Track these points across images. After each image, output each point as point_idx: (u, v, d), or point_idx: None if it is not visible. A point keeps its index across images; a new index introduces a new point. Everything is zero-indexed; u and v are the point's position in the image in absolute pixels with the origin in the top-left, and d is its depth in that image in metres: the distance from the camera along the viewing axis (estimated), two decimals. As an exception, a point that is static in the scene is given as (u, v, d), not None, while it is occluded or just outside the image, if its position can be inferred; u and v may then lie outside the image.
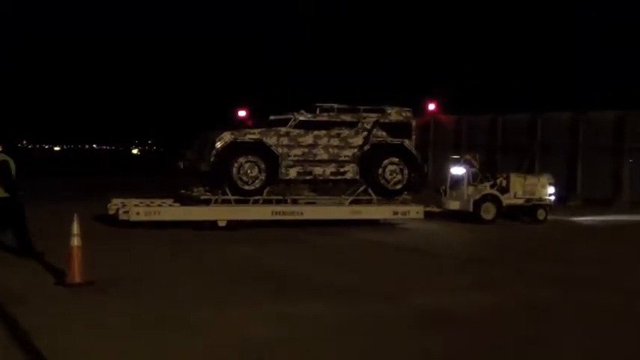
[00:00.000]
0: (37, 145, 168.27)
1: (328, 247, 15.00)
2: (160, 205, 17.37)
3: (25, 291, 9.66)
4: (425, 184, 22.17)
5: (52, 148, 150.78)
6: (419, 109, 28.52)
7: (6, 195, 11.92)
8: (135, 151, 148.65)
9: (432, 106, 30.28)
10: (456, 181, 20.21)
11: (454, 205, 19.72)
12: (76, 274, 9.85)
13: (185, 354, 7.01)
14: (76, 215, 10.05)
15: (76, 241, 9.87)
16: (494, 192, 19.68)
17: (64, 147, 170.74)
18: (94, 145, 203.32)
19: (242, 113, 34.06)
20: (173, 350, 7.10)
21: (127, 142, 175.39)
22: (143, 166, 59.73)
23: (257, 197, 17.44)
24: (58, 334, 7.49)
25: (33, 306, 8.79)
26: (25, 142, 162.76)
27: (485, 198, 19.44)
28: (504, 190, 19.90)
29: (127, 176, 39.91)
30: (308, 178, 18.11)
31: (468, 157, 20.33)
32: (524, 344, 7.59)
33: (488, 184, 19.89)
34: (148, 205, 17.11)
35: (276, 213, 17.36)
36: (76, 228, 9.94)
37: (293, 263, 12.71)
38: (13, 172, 12.11)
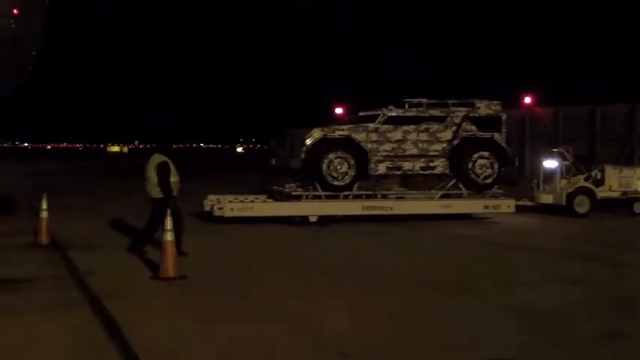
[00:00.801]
0: (147, 145, 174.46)
1: (419, 241, 15.09)
2: (253, 202, 17.92)
3: (122, 283, 10.17)
4: (519, 177, 21.89)
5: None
6: (514, 102, 28.26)
7: (161, 196, 12.27)
8: (239, 150, 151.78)
9: (527, 99, 29.77)
10: (549, 174, 19.94)
11: (547, 198, 19.45)
12: (169, 269, 10.23)
13: (272, 347, 7.15)
14: (169, 211, 10.53)
15: (169, 237, 10.24)
16: (588, 185, 19.30)
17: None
18: (201, 144, 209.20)
19: (339, 110, 34.35)
20: (262, 343, 7.27)
21: (232, 140, 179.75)
22: (245, 163, 61.00)
23: (347, 192, 17.72)
24: (144, 326, 7.82)
25: (125, 298, 9.17)
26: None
27: (579, 191, 19.08)
28: (599, 182, 19.47)
29: (227, 173, 41.04)
30: (397, 173, 18.31)
31: (560, 149, 20.03)
32: (612, 340, 7.42)
33: (582, 177, 19.51)
34: (241, 202, 17.67)
35: (366, 208, 17.59)
36: (169, 224, 10.30)
37: (384, 258, 12.79)
38: (172, 173, 12.44)
